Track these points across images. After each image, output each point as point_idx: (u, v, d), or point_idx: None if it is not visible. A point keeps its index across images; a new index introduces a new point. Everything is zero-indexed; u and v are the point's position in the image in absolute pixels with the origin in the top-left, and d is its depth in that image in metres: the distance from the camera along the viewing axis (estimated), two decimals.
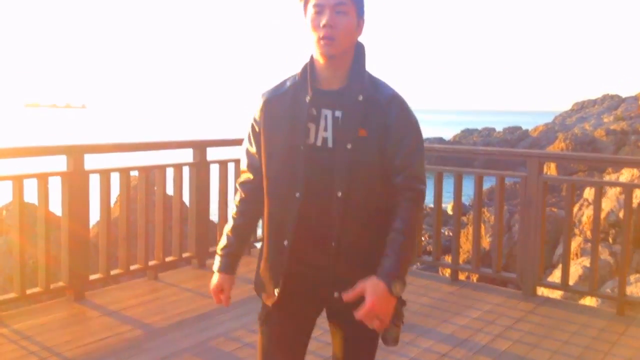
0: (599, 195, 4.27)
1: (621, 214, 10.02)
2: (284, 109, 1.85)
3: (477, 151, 5.47)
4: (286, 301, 1.88)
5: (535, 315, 4.26)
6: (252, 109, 1.96)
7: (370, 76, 1.86)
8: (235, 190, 2.05)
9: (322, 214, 1.80)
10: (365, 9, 1.85)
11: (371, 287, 1.70)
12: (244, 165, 2.01)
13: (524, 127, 52.95)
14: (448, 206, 11.89)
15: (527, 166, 4.60)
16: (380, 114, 1.80)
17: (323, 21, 1.77)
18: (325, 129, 1.81)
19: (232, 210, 2.06)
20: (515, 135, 50.13)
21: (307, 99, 1.81)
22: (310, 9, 1.80)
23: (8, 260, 6.03)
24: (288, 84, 1.89)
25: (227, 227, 2.06)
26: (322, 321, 2.04)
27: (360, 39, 1.88)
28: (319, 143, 1.81)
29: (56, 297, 4.49)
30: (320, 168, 1.79)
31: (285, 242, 1.84)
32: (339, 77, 1.84)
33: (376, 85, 1.84)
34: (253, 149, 1.95)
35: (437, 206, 5.20)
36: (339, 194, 1.77)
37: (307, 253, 1.84)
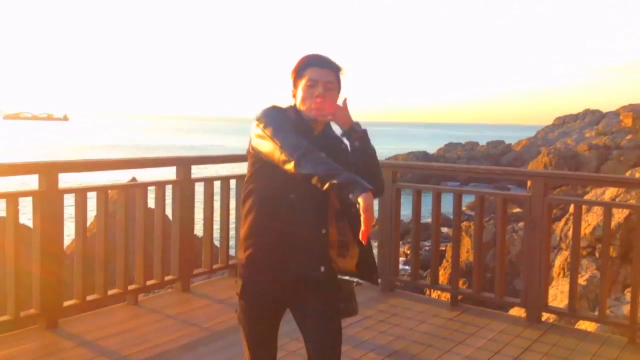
0: (609, 216, 4.04)
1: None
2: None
3: (480, 170, 5.21)
4: None
5: (543, 345, 3.99)
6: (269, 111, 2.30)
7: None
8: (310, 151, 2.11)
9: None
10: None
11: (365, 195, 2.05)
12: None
13: (506, 142, 53.30)
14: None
15: (532, 186, 4.37)
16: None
17: (317, 92, 2.29)
18: None
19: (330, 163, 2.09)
20: (499, 149, 50.42)
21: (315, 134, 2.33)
22: (304, 84, 2.33)
23: None
24: (290, 113, 2.32)
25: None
26: None
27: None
28: None
29: (26, 326, 4.13)
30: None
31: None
32: (320, 127, 2.37)
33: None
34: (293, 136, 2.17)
35: (435, 229, 4.95)
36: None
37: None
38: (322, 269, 2.22)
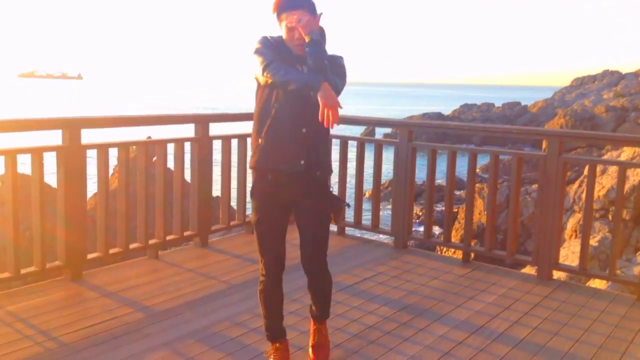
0: (622, 176, 4.07)
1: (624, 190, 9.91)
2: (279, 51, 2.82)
3: (496, 129, 5.23)
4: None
5: (553, 301, 4.08)
6: (259, 40, 2.85)
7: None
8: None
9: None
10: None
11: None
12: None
13: (522, 103, 52.66)
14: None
15: (548, 145, 4.39)
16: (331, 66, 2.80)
17: (297, 36, 2.76)
18: None
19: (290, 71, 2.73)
20: (515, 110, 49.86)
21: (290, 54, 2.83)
22: (284, 26, 2.80)
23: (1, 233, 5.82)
24: (276, 38, 2.85)
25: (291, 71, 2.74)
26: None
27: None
28: None
29: (52, 277, 4.30)
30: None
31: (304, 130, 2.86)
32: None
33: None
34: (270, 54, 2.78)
35: (450, 185, 5.01)
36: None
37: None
38: (302, 162, 2.81)
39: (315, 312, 3.17)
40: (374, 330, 3.53)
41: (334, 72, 2.81)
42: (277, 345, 3.03)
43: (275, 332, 3.05)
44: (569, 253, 9.37)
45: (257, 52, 2.77)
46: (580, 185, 12.03)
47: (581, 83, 53.17)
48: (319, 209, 2.95)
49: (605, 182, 10.72)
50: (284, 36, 2.82)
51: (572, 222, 12.36)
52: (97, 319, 3.58)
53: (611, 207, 10.11)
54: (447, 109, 55.89)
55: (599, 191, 10.25)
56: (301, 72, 2.75)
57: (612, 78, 50.20)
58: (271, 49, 2.78)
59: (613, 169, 9.93)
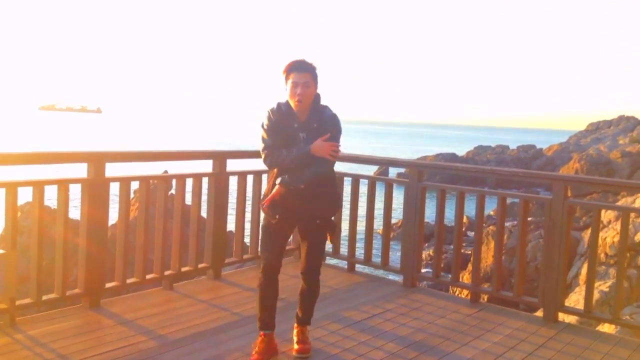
0: (626, 222, 4.18)
1: (637, 237, 9.91)
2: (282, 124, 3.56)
3: (502, 172, 5.38)
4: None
5: (558, 342, 4.15)
6: (264, 117, 3.60)
7: (322, 107, 3.62)
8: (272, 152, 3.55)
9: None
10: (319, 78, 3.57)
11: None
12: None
13: (537, 146, 52.70)
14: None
15: (553, 189, 4.52)
16: (326, 128, 3.55)
17: (298, 91, 3.47)
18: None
19: (282, 154, 3.52)
20: (529, 154, 49.89)
21: (295, 125, 3.56)
22: (290, 83, 3.50)
23: (21, 261, 6.00)
24: (283, 108, 3.57)
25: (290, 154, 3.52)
26: None
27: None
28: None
29: (71, 304, 4.46)
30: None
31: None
32: (304, 113, 3.57)
33: (324, 111, 3.61)
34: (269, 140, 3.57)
35: (458, 225, 5.13)
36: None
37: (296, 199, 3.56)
38: (317, 221, 3.66)
39: (301, 317, 3.80)
40: None
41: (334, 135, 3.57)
42: (266, 333, 3.64)
43: (266, 323, 3.65)
44: (581, 298, 9.35)
45: (261, 136, 3.57)
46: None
47: (597, 128, 53.23)
48: (319, 231, 3.71)
49: (619, 228, 10.71)
50: (289, 92, 3.51)
51: (587, 268, 12.31)
52: (112, 345, 3.72)
53: (628, 253, 10.11)
54: (461, 150, 56.08)
55: (614, 237, 10.25)
56: (290, 151, 3.48)
57: (627, 123, 50.21)
58: (272, 131, 3.53)
59: (633, 216, 9.96)
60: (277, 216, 3.57)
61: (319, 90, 3.60)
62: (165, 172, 10.51)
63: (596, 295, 9.78)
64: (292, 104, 3.53)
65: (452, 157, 47.39)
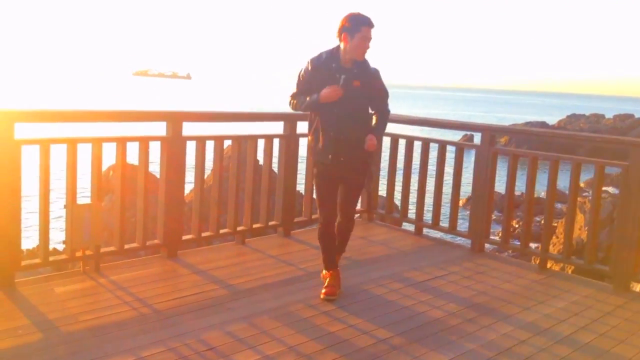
0: None
1: None
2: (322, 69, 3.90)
3: (576, 136, 5.23)
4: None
5: (626, 311, 4.05)
6: (304, 66, 3.97)
7: (365, 60, 3.93)
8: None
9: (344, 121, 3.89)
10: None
11: (371, 136, 3.88)
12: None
13: (637, 116, 49.54)
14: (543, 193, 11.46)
15: (631, 155, 4.34)
16: (367, 77, 3.91)
17: (368, 45, 3.84)
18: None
19: (300, 101, 4.02)
20: (626, 123, 47.06)
21: (333, 65, 3.89)
22: (359, 35, 3.78)
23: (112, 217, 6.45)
24: (324, 56, 3.91)
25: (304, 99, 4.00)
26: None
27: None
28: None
29: (151, 254, 4.80)
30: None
31: (332, 134, 3.92)
32: (349, 63, 3.89)
33: (367, 65, 3.93)
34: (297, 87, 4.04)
35: (529, 192, 5.04)
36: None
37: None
38: (329, 157, 3.93)
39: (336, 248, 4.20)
40: (437, 323, 3.70)
41: (379, 94, 3.99)
42: (332, 272, 4.08)
43: (329, 263, 4.10)
44: None
45: (295, 82, 4.03)
46: None
47: None
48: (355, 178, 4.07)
49: None
50: (356, 44, 3.79)
51: None
52: (186, 292, 3.99)
53: None
54: (552, 119, 53.69)
55: None
56: (310, 97, 3.90)
57: None
58: (304, 79, 3.94)
59: None
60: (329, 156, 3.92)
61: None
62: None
63: None
64: (354, 54, 3.83)
65: (542, 125, 45.54)
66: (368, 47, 3.84)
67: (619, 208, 4.47)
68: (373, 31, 3.83)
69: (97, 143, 4.17)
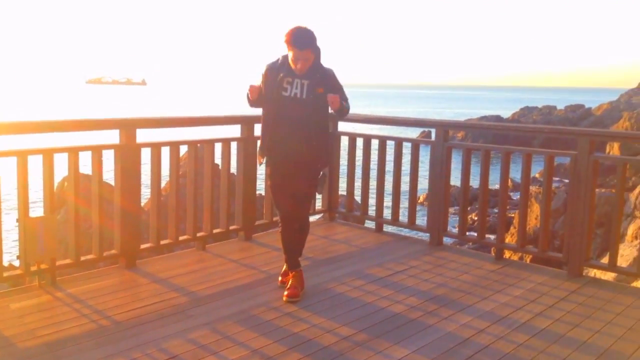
0: None
1: None
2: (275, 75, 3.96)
3: (526, 129, 5.36)
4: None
5: (580, 295, 4.19)
6: (260, 71, 4.04)
7: (320, 65, 3.96)
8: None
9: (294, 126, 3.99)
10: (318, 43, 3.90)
11: (332, 95, 3.91)
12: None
13: (587, 106, 51.07)
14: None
15: (578, 144, 4.49)
16: (324, 81, 3.95)
17: (298, 66, 3.86)
18: (297, 88, 3.93)
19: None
20: (577, 113, 48.47)
21: (281, 74, 3.94)
22: (291, 54, 3.85)
23: (67, 229, 6.30)
24: (278, 62, 3.98)
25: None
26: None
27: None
28: (292, 95, 3.95)
29: (109, 264, 4.72)
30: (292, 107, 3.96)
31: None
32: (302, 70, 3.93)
33: (323, 68, 3.97)
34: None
35: (483, 184, 5.15)
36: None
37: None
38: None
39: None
40: (399, 318, 3.75)
41: (335, 88, 3.97)
42: (294, 273, 4.11)
43: (292, 263, 4.14)
44: (621, 256, 9.25)
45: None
46: None
47: None
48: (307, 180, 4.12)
49: None
50: (290, 58, 3.86)
51: (633, 228, 12.14)
52: (147, 301, 3.94)
53: None
54: (507, 113, 54.86)
55: None
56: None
57: None
58: (263, 84, 4.01)
59: None
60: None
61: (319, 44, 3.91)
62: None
63: (635, 253, 9.64)
64: (295, 68, 3.89)
65: (497, 119, 46.48)
66: (300, 68, 3.84)
67: (569, 196, 4.61)
68: (306, 52, 3.78)
69: (48, 154, 4.08)
